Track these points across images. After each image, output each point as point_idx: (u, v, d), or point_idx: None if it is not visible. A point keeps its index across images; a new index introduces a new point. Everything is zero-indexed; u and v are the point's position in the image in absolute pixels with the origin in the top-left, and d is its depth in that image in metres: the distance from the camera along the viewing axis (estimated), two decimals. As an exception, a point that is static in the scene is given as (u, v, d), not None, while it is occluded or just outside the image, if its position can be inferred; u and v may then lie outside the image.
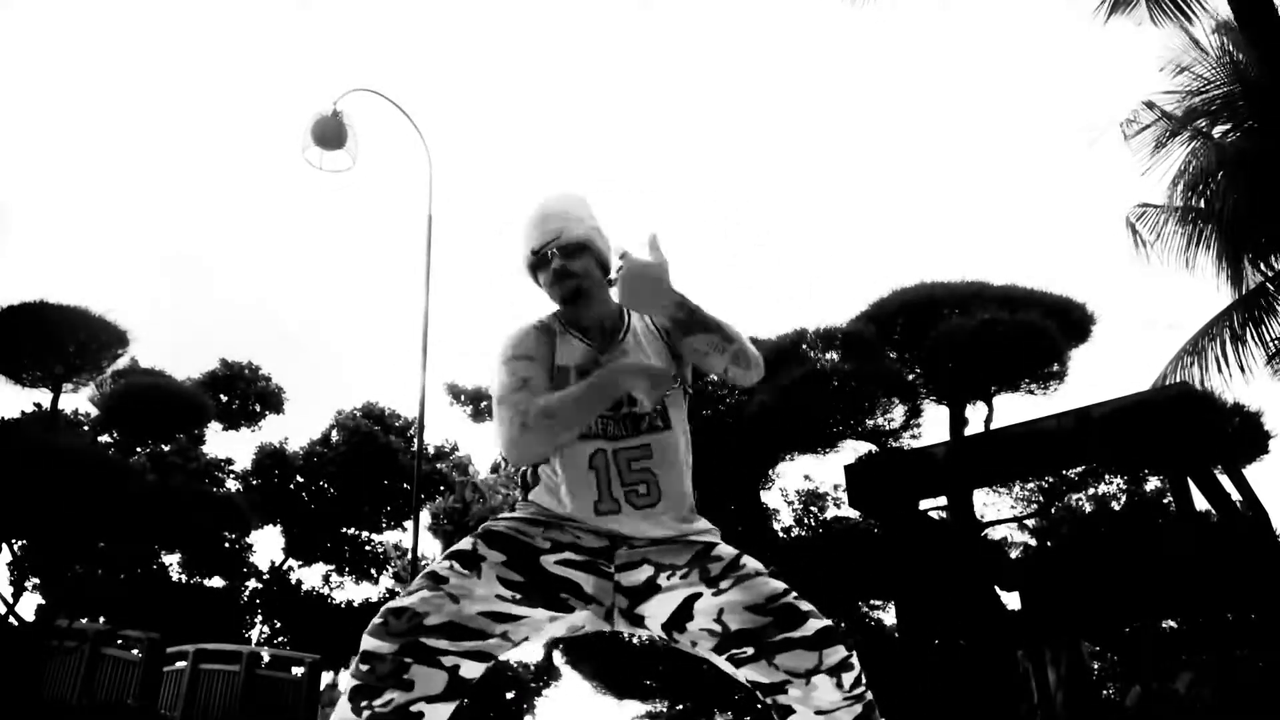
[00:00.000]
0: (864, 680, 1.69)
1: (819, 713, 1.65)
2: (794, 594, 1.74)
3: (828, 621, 1.70)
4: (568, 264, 1.94)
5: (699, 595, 1.74)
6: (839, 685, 1.65)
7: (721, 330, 1.84)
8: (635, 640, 11.80)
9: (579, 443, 1.87)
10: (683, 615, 1.75)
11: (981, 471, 9.57)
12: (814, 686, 1.64)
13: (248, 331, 48.17)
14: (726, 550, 1.82)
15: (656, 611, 1.77)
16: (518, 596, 1.74)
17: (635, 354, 1.93)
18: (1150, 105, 9.17)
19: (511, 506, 1.95)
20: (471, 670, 1.70)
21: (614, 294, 1.80)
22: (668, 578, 1.77)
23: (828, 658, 1.65)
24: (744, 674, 1.72)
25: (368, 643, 1.66)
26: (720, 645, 1.72)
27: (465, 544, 1.80)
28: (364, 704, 1.62)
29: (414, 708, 1.63)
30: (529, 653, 18.75)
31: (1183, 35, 8.85)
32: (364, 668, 1.64)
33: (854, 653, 1.69)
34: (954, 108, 61.60)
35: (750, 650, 1.69)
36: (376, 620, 1.68)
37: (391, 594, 19.25)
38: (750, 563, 1.80)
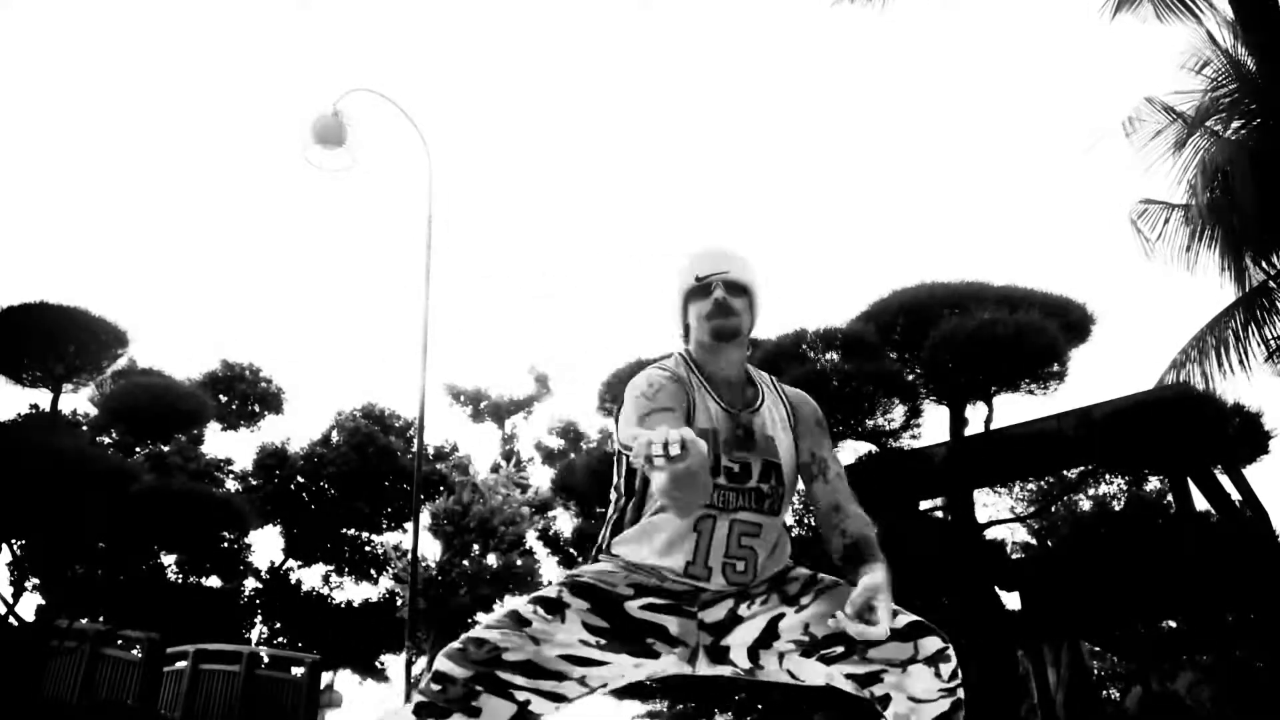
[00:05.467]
0: (960, 675, 1.68)
1: (913, 699, 1.67)
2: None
3: (917, 616, 1.71)
4: (731, 300, 1.94)
5: (782, 615, 1.78)
6: (937, 675, 1.66)
7: None
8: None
9: None
10: (769, 635, 1.78)
11: (981, 471, 9.55)
12: (910, 674, 1.66)
13: (248, 331, 48.11)
14: (802, 571, 1.88)
15: (741, 639, 1.80)
16: (602, 642, 1.78)
17: (768, 427, 1.93)
18: (1151, 102, 9.16)
19: (595, 557, 1.95)
20: (542, 707, 1.75)
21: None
22: (748, 606, 1.82)
23: (923, 648, 1.67)
24: (837, 670, 1.72)
25: (443, 664, 1.71)
26: (808, 650, 1.74)
27: (550, 590, 1.85)
28: (429, 718, 1.68)
29: None
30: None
31: (1201, 32, 8.83)
32: (435, 687, 1.70)
33: (950, 646, 1.69)
34: (954, 107, 61.65)
35: (840, 649, 1.71)
36: (455, 645, 1.73)
37: (391, 594, 19.22)
38: (827, 576, 1.84)
